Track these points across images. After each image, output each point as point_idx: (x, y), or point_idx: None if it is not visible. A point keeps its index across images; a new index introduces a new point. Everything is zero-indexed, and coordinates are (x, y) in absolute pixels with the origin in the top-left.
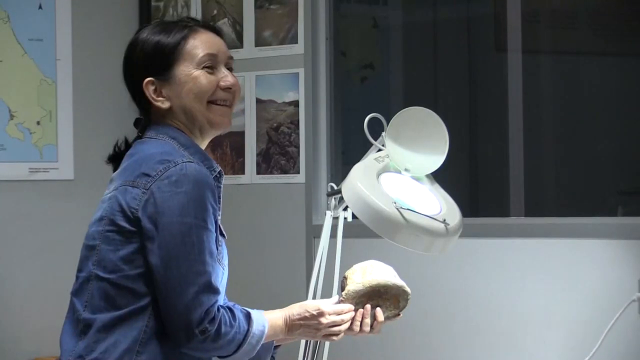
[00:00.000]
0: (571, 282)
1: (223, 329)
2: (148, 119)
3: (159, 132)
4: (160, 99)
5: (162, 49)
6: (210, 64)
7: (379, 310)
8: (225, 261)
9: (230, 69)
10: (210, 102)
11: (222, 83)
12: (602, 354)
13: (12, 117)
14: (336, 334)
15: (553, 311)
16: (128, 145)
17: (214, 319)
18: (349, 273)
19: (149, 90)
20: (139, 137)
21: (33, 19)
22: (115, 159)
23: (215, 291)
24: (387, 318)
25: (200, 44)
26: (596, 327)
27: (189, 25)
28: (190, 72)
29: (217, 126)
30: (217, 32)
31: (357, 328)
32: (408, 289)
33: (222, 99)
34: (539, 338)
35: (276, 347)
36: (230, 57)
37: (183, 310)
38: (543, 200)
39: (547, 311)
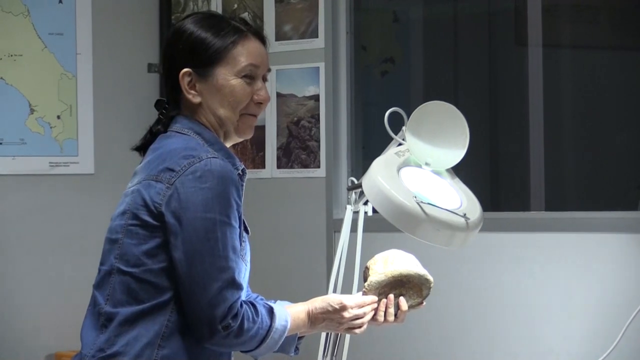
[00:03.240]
0: (591, 276)
1: (246, 324)
2: (176, 108)
3: (184, 126)
4: (193, 92)
5: (208, 47)
6: (250, 74)
7: (402, 300)
8: (248, 257)
9: (264, 80)
10: (242, 113)
11: (255, 97)
12: (622, 348)
13: (32, 111)
14: (359, 326)
15: (573, 305)
16: (152, 134)
17: (237, 314)
18: (370, 263)
19: (184, 82)
20: (163, 127)
21: (53, 13)
22: (141, 149)
23: (239, 287)
24: (410, 307)
25: (246, 52)
26: (616, 321)
27: (240, 30)
28: (229, 79)
29: (243, 135)
30: (264, 41)
31: (381, 318)
32: (430, 277)
33: (252, 112)
34: (559, 332)
35: (300, 338)
36: (269, 70)
37: (206, 305)
38: (563, 195)
39: (567, 305)
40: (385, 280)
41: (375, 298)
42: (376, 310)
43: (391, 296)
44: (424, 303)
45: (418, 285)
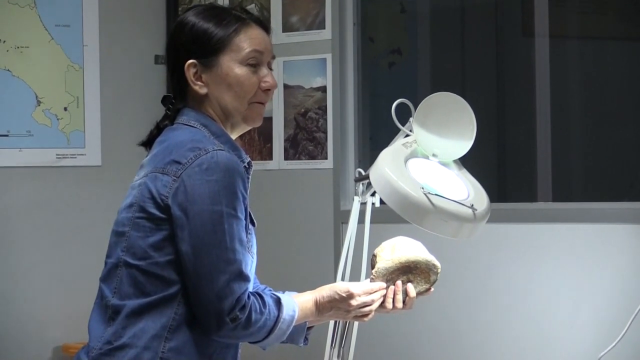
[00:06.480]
0: (599, 267)
1: (253, 316)
2: (183, 101)
3: (191, 119)
4: (199, 83)
5: (211, 36)
6: (254, 62)
7: (410, 286)
8: (254, 249)
9: (269, 67)
10: (250, 102)
11: (262, 84)
12: (629, 339)
13: (39, 103)
14: (367, 314)
15: (580, 296)
16: (159, 129)
17: (244, 306)
18: (378, 250)
19: (190, 73)
20: (170, 121)
21: (60, 5)
22: (147, 144)
23: (246, 279)
24: (419, 293)
25: (248, 39)
26: (624, 312)
27: (241, 18)
28: (234, 67)
29: (252, 123)
30: (267, 29)
31: (389, 305)
32: (437, 263)
33: (260, 100)
34: (566, 323)
35: (309, 328)
36: (273, 57)
37: (214, 298)
38: (570, 185)
39: (574, 296)
40: (393, 267)
41: (383, 285)
42: (384, 297)
43: (399, 283)
44: (432, 289)
45: (425, 271)
